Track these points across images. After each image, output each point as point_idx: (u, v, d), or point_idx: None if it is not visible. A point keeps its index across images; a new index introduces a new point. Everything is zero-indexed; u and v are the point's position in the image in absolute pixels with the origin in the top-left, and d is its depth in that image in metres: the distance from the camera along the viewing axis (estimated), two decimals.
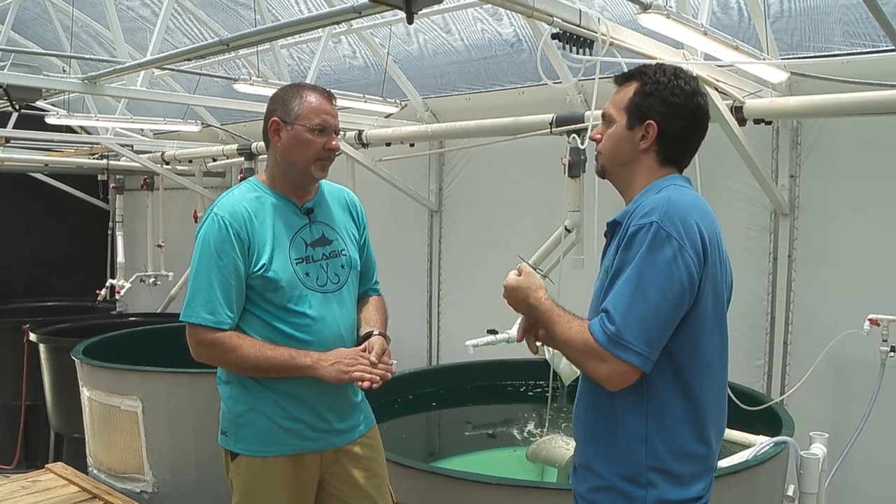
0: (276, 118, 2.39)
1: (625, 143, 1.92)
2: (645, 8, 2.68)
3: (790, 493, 3.17)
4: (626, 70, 2.04)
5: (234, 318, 2.31)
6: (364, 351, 2.37)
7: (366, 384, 2.30)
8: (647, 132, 1.88)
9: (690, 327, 1.79)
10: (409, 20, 2.24)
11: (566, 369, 3.86)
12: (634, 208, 1.83)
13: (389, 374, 2.36)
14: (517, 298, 1.93)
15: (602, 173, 2.03)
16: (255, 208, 2.37)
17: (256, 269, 2.31)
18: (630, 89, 1.92)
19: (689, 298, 1.76)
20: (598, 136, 2.00)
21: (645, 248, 1.72)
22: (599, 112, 3.24)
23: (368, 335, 2.44)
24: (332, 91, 2.64)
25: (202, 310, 2.27)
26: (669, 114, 1.87)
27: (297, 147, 2.37)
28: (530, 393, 4.40)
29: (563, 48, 2.76)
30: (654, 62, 1.98)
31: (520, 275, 1.95)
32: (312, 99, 2.39)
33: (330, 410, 2.41)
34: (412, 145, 5.76)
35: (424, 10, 2.42)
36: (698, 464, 1.86)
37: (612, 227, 1.95)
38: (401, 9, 2.19)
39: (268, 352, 2.29)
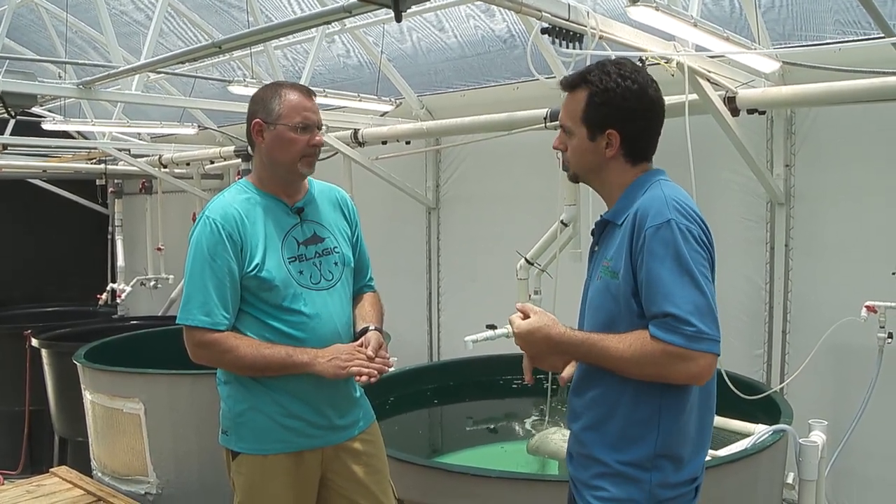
0: (258, 119, 2.41)
1: (590, 153, 1.95)
2: (634, 0, 2.68)
3: (790, 480, 3.19)
4: None
5: (230, 318, 2.33)
6: (361, 346, 2.39)
7: (364, 378, 2.31)
8: (611, 140, 1.91)
9: None
10: (398, 18, 2.25)
11: None
12: (631, 210, 1.85)
13: (387, 368, 2.38)
14: (536, 340, 1.88)
15: (575, 179, 2.07)
16: (246, 209, 2.39)
17: (250, 269, 2.33)
18: (580, 98, 1.93)
19: None
20: (561, 146, 2.01)
21: (676, 245, 1.75)
22: None
23: (364, 330, 2.46)
24: (327, 90, 2.66)
25: (198, 312, 2.29)
26: (627, 119, 1.90)
27: (281, 146, 2.39)
28: (530, 387, 4.40)
29: (554, 42, 2.77)
30: (599, 61, 1.98)
31: (526, 317, 1.91)
32: (292, 97, 2.40)
33: (330, 407, 2.43)
34: (408, 143, 5.78)
35: (415, 8, 2.44)
36: (694, 444, 1.90)
37: (602, 226, 1.98)
38: (389, 7, 2.20)
39: (265, 350, 2.31)
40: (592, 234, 2.03)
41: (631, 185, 1.93)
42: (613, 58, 2.01)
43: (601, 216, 1.98)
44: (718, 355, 1.75)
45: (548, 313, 1.91)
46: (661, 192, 1.84)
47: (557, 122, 4.35)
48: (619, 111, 1.88)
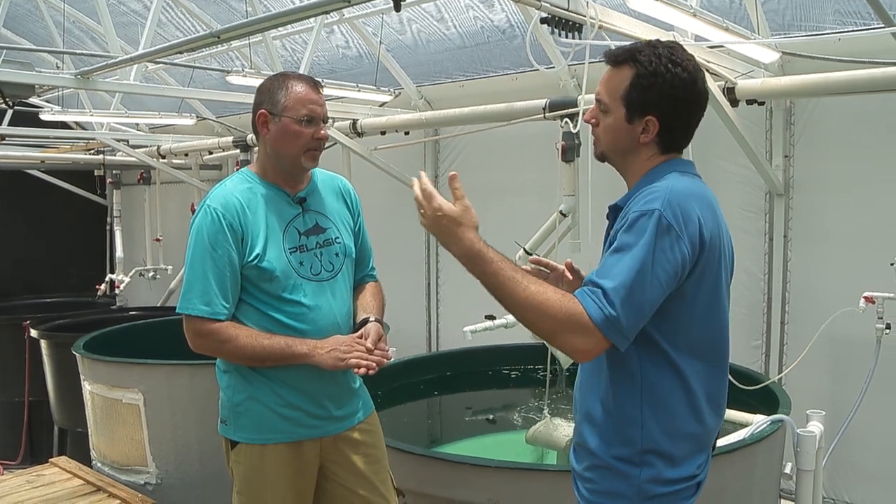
0: (263, 110, 2.39)
1: (625, 135, 1.86)
2: None
3: (788, 470, 3.20)
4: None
5: (229, 308, 2.33)
6: (360, 338, 2.39)
7: (362, 370, 2.31)
8: (648, 127, 1.83)
9: (680, 314, 1.77)
10: (397, 8, 2.24)
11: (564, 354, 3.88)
12: (637, 194, 1.80)
13: (385, 361, 2.37)
14: (449, 231, 1.81)
15: (602, 159, 1.99)
16: (248, 199, 2.38)
17: (250, 259, 2.33)
18: (625, 76, 1.82)
19: (675, 287, 1.73)
20: (593, 120, 1.93)
21: (648, 237, 1.68)
22: (591, 96, 3.26)
23: (365, 322, 2.46)
24: (326, 81, 2.64)
25: (198, 301, 2.29)
26: (671, 108, 1.82)
27: (285, 139, 2.38)
28: (529, 377, 4.42)
29: (553, 32, 2.76)
30: (649, 40, 1.90)
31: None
32: (298, 89, 2.38)
33: (328, 397, 2.43)
34: (407, 133, 5.77)
35: None
36: (693, 443, 1.86)
37: (614, 212, 1.91)
38: None
39: (264, 341, 2.31)
40: (607, 217, 1.96)
41: (650, 172, 1.86)
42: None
43: (616, 202, 1.91)
44: (611, 347, 1.68)
45: (473, 212, 1.82)
46: (669, 184, 1.77)
47: (556, 113, 4.33)
48: (664, 99, 1.79)
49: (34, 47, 7.02)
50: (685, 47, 1.90)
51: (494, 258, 1.76)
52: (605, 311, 1.65)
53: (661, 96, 1.80)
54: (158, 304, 7.95)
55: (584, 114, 2.01)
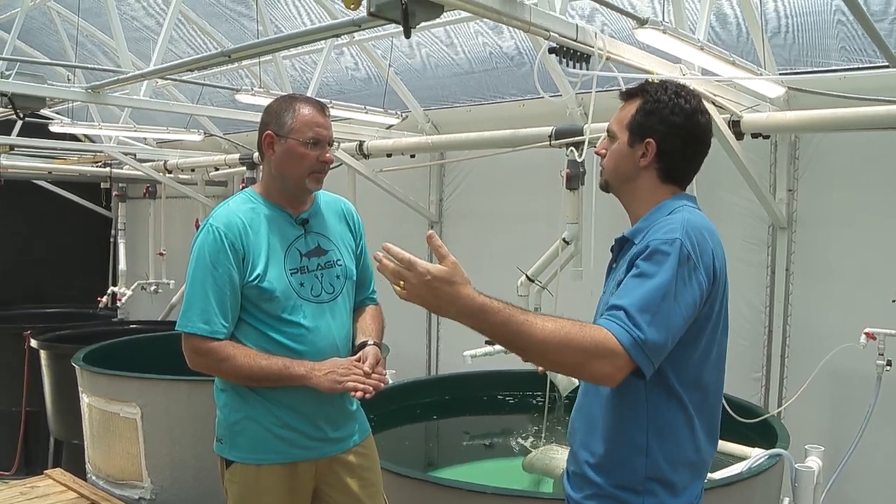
0: (269, 131, 2.41)
1: (626, 159, 1.94)
2: (642, 23, 2.71)
3: None
4: (622, 83, 2.06)
5: (229, 327, 2.33)
6: (359, 361, 2.39)
7: (359, 394, 2.30)
8: (647, 150, 1.90)
9: (687, 346, 1.79)
10: (407, 34, 2.27)
11: (563, 381, 3.88)
12: (649, 227, 1.84)
13: (383, 385, 2.36)
14: (441, 294, 1.69)
15: (606, 188, 2.05)
16: (251, 219, 2.39)
17: (251, 279, 2.33)
18: (633, 106, 1.94)
19: (694, 316, 1.77)
20: (603, 151, 2.01)
21: (670, 265, 1.71)
22: (598, 125, 3.28)
23: (363, 345, 2.46)
24: (334, 102, 2.65)
25: (197, 319, 2.30)
26: (668, 132, 1.89)
27: (290, 160, 2.39)
28: (528, 403, 4.41)
29: (561, 62, 2.78)
30: (657, 78, 1.97)
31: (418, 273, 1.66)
32: (305, 112, 2.40)
33: (325, 419, 2.42)
34: (413, 156, 5.80)
35: (423, 24, 2.45)
36: (692, 472, 1.88)
37: (621, 244, 1.95)
38: (398, 23, 2.22)
39: (262, 361, 2.30)
40: (612, 250, 2.01)
41: (657, 207, 1.91)
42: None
43: (623, 234, 1.95)
44: (643, 374, 1.67)
45: (462, 269, 1.70)
46: (684, 217, 1.82)
47: (562, 141, 4.35)
48: (663, 123, 1.89)
49: (47, 60, 7.07)
50: (694, 83, 1.94)
51: (499, 308, 1.67)
52: (632, 333, 1.65)
53: (660, 121, 1.90)
54: (160, 319, 7.95)
55: (589, 143, 2.04)
